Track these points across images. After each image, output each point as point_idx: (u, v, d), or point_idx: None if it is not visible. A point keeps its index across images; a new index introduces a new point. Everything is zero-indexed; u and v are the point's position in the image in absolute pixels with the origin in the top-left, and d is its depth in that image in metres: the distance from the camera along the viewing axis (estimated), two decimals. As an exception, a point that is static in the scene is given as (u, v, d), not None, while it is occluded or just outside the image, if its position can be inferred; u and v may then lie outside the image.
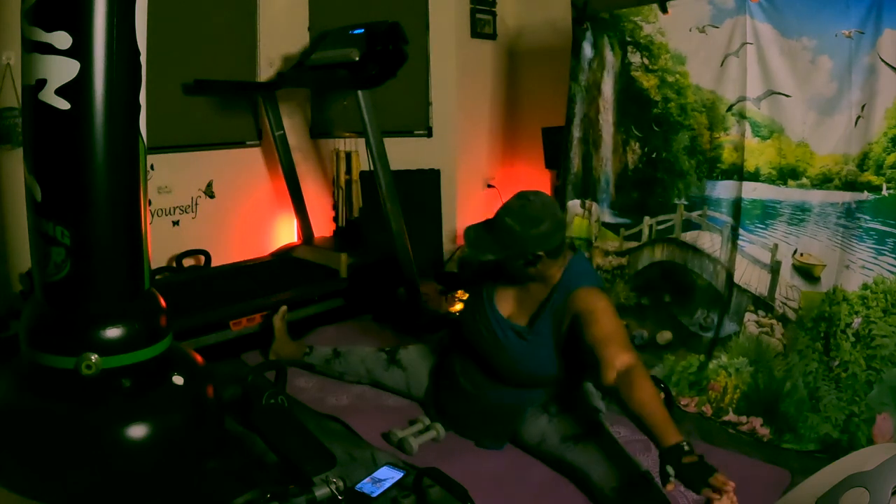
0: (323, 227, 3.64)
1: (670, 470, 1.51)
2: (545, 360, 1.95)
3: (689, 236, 2.52)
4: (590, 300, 1.86)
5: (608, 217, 2.79)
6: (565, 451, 1.84)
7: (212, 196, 3.38)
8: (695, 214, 2.49)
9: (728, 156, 2.40)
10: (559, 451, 1.86)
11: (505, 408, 2.01)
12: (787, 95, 2.25)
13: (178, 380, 1.83)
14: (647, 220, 2.64)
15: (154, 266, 2.19)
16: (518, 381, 2.00)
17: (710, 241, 2.45)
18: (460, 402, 2.11)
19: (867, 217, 2.11)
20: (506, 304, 2.06)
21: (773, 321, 2.29)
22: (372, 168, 3.05)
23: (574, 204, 2.90)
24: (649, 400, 1.65)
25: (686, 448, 1.52)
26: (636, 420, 1.63)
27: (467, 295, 2.31)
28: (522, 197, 1.92)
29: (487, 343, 2.04)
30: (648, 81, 2.60)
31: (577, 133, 2.89)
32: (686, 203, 2.52)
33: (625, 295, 2.69)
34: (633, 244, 2.69)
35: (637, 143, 2.67)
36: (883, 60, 2.05)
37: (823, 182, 2.21)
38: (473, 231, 1.97)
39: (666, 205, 2.58)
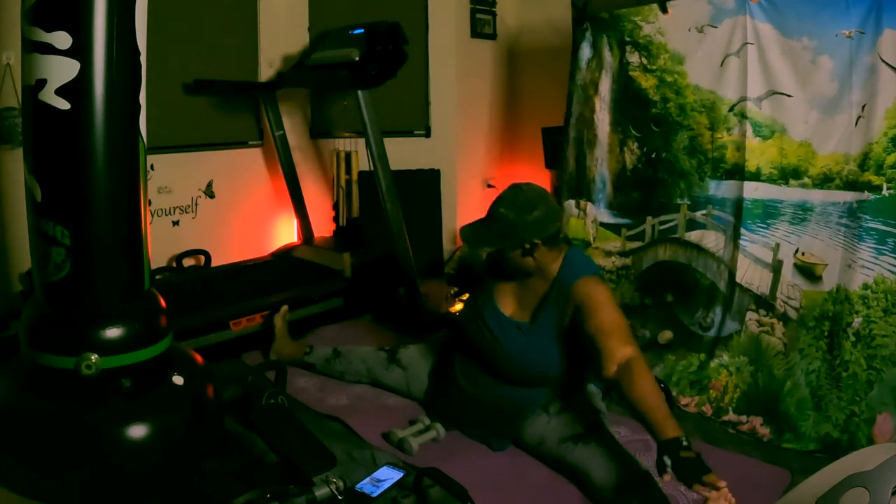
0: (323, 227, 3.64)
1: (667, 460, 1.52)
2: (546, 356, 1.94)
3: (693, 236, 2.51)
4: (591, 290, 1.86)
5: (606, 217, 2.79)
6: (564, 452, 1.83)
7: (212, 196, 3.37)
8: (699, 214, 2.49)
9: (731, 156, 2.40)
10: (558, 451, 1.85)
11: (506, 408, 2.00)
12: (788, 95, 2.25)
13: (178, 380, 1.83)
14: (649, 220, 2.64)
15: (154, 266, 2.19)
16: (519, 380, 1.98)
17: (715, 241, 2.45)
18: (461, 403, 2.10)
19: (868, 217, 2.11)
20: (507, 302, 2.06)
21: (774, 320, 2.29)
22: (372, 168, 3.05)
23: (570, 204, 2.90)
24: (649, 393, 1.66)
25: (684, 444, 1.54)
26: (636, 413, 1.65)
27: (468, 295, 2.30)
28: (515, 187, 1.94)
29: (488, 342, 2.03)
30: (647, 81, 2.60)
31: (573, 133, 2.89)
32: (689, 203, 2.52)
33: (629, 295, 2.69)
34: (636, 244, 2.69)
35: (635, 143, 2.67)
36: (883, 60, 2.05)
37: (825, 182, 2.21)
38: (469, 228, 1.98)
39: (668, 205, 2.58)
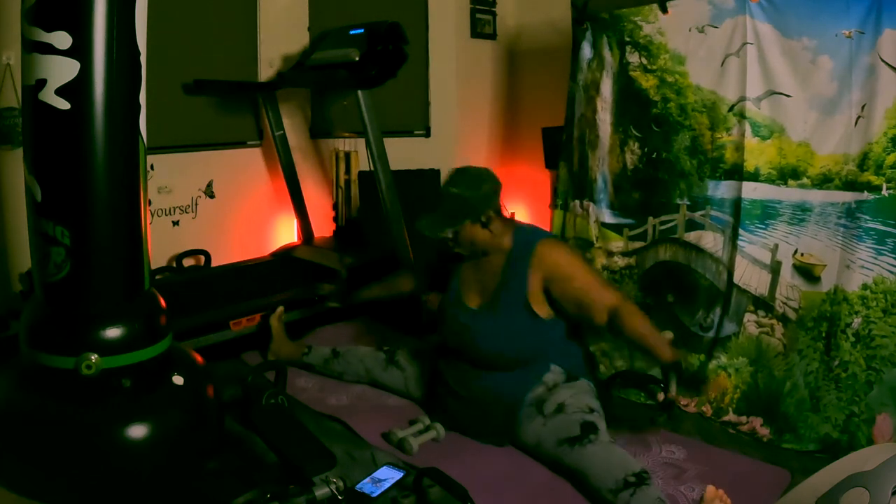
0: (323, 227, 3.64)
1: (673, 376, 1.81)
2: (515, 332, 1.99)
3: (692, 236, 2.51)
4: (557, 256, 2.01)
5: (608, 217, 2.78)
6: (562, 455, 1.84)
7: (212, 196, 3.37)
8: (698, 214, 2.49)
9: (730, 156, 2.40)
10: (556, 454, 1.86)
11: (498, 404, 2.01)
12: (787, 95, 2.25)
13: (178, 380, 1.83)
14: (650, 220, 2.64)
15: (154, 266, 2.19)
16: (496, 363, 2.01)
17: (713, 241, 2.45)
18: (455, 404, 2.11)
19: (867, 217, 2.10)
20: (472, 294, 2.11)
21: (774, 321, 2.29)
22: (372, 168, 3.05)
23: (574, 205, 2.90)
24: (642, 326, 1.89)
25: (683, 364, 1.87)
26: (636, 346, 1.92)
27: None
28: (458, 169, 2.09)
29: (461, 337, 2.08)
30: (647, 81, 2.60)
31: (575, 133, 2.89)
32: (689, 203, 2.52)
33: (633, 295, 2.68)
34: (639, 244, 2.68)
35: (636, 144, 2.66)
36: (883, 60, 2.04)
37: (824, 182, 2.20)
38: (425, 218, 2.06)
39: (668, 205, 2.58)
